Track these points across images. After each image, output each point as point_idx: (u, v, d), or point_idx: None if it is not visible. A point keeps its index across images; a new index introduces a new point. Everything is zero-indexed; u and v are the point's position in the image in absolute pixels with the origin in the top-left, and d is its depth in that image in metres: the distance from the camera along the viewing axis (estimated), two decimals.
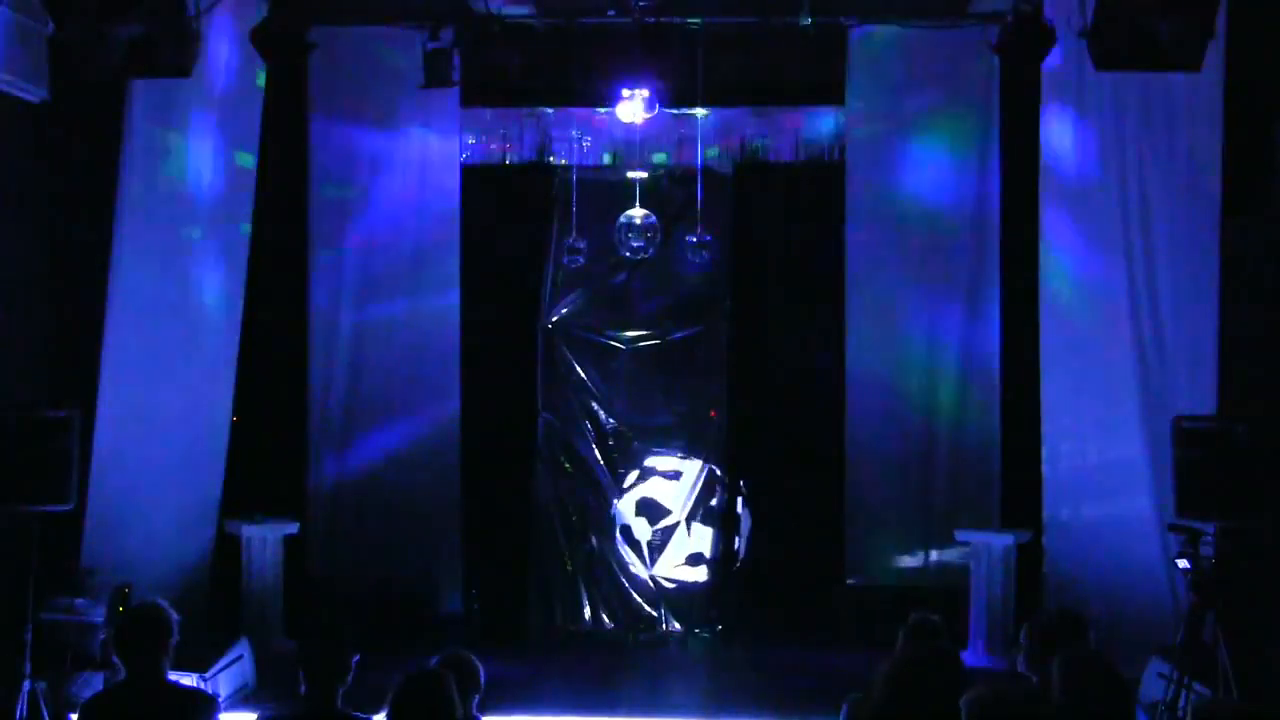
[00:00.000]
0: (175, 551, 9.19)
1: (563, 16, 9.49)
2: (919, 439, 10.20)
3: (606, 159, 10.72)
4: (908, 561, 10.25)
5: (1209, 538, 7.10)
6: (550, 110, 10.65)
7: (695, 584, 10.67)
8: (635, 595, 10.64)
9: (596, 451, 10.78)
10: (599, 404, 10.80)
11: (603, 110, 9.86)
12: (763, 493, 10.77)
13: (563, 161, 10.68)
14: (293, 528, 9.79)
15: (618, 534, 10.74)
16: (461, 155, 10.48)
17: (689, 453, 10.80)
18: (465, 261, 10.39)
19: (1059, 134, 9.18)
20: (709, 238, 10.23)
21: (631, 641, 10.38)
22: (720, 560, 10.69)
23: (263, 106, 9.60)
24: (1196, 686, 6.91)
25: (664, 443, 10.83)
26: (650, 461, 10.81)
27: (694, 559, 10.73)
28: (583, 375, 10.80)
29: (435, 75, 9.44)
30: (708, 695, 9.21)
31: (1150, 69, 7.56)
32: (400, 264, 10.37)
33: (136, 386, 8.88)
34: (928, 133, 10.14)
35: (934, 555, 10.20)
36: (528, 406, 10.78)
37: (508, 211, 10.74)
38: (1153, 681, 7.66)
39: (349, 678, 4.61)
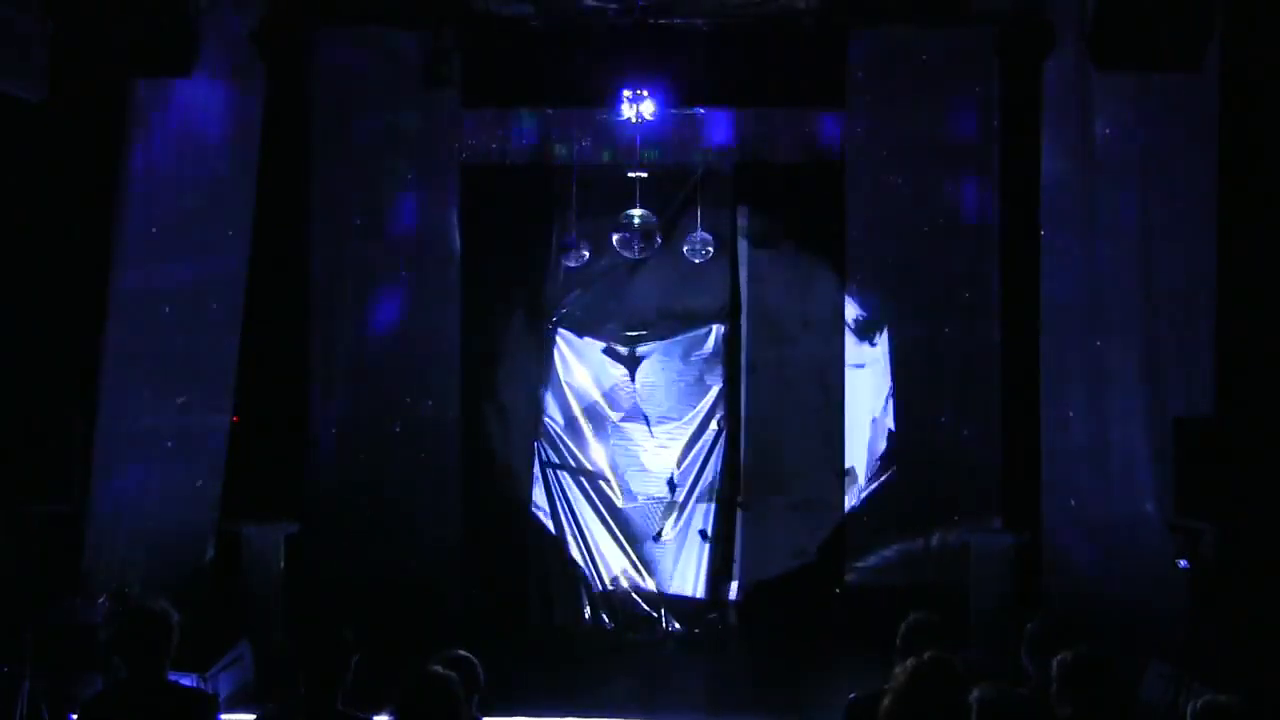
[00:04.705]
0: (175, 551, 9.20)
1: (563, 16, 9.49)
2: (920, 439, 10.21)
3: (606, 159, 10.71)
4: (908, 561, 10.25)
5: (1209, 538, 7.10)
6: (550, 110, 10.64)
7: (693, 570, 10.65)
8: (635, 595, 10.64)
9: (597, 451, 10.77)
10: (599, 403, 10.79)
11: (603, 110, 9.84)
12: (763, 491, 10.76)
13: (563, 161, 10.67)
14: (293, 528, 9.78)
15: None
16: (461, 155, 10.49)
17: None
18: (465, 261, 10.39)
19: (1059, 134, 9.19)
20: (709, 237, 10.22)
21: (631, 641, 10.37)
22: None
23: (263, 107, 9.60)
24: (1196, 687, 6.91)
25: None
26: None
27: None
28: (583, 375, 10.79)
29: (435, 75, 9.45)
30: (707, 695, 9.21)
31: (1150, 69, 7.58)
32: (401, 264, 10.39)
33: (137, 386, 8.89)
34: (928, 133, 10.13)
35: (934, 555, 10.20)
36: (527, 406, 10.78)
37: (508, 211, 10.74)
38: (1153, 681, 7.67)
39: (349, 678, 4.61)
